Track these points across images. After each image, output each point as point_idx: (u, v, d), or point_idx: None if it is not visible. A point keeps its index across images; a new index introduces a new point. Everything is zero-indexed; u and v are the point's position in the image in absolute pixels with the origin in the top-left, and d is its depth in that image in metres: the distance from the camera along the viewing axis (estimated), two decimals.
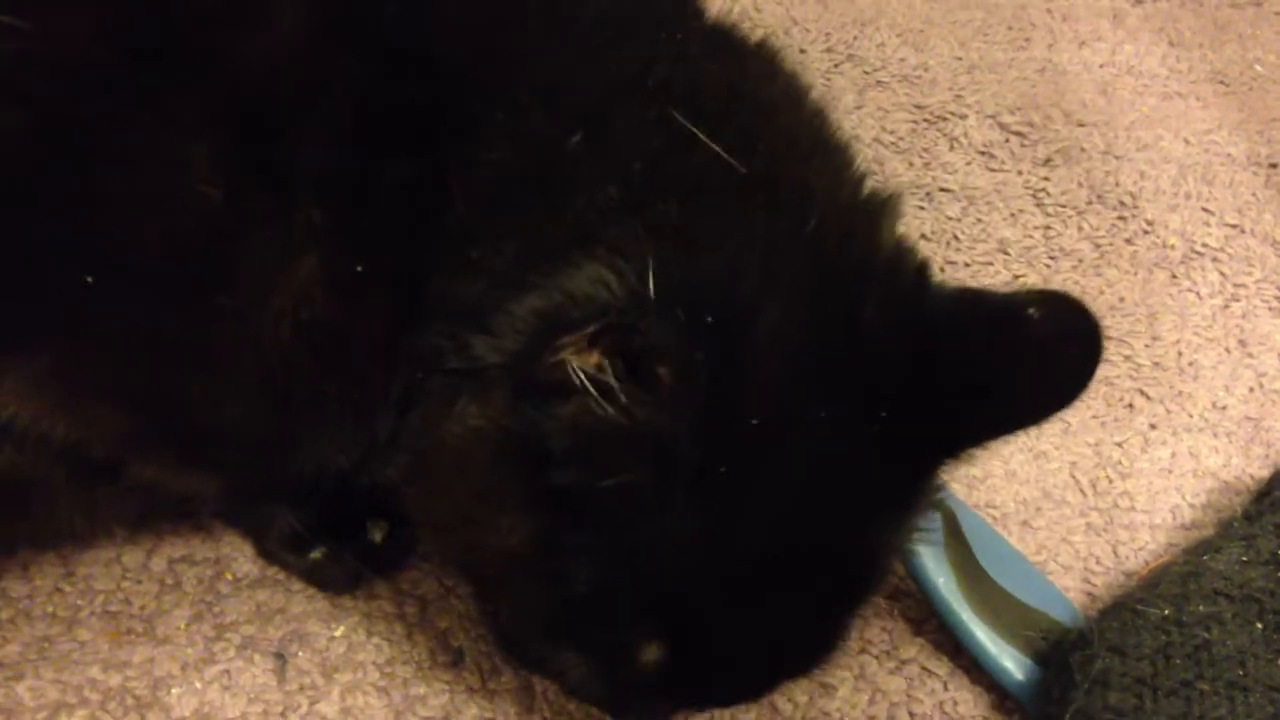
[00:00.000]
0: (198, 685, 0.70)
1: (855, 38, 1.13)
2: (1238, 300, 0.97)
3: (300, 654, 0.72)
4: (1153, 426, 0.88)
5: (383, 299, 0.56)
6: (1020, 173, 1.05)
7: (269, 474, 0.65)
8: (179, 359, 0.56)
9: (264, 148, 0.52)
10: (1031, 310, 0.54)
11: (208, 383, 0.56)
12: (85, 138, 0.51)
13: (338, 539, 0.75)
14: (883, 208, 0.60)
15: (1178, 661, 0.67)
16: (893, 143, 1.05)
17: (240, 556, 0.76)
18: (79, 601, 0.73)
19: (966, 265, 0.97)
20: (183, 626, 0.73)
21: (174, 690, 0.70)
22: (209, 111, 0.51)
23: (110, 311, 0.53)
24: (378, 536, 0.75)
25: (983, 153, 1.06)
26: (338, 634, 0.73)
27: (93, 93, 0.50)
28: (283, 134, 0.53)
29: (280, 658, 0.72)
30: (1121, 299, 0.96)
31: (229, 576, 0.75)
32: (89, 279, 0.51)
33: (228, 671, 0.71)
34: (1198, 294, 0.97)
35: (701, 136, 0.54)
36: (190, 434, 0.60)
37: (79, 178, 0.51)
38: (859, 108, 1.07)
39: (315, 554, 0.75)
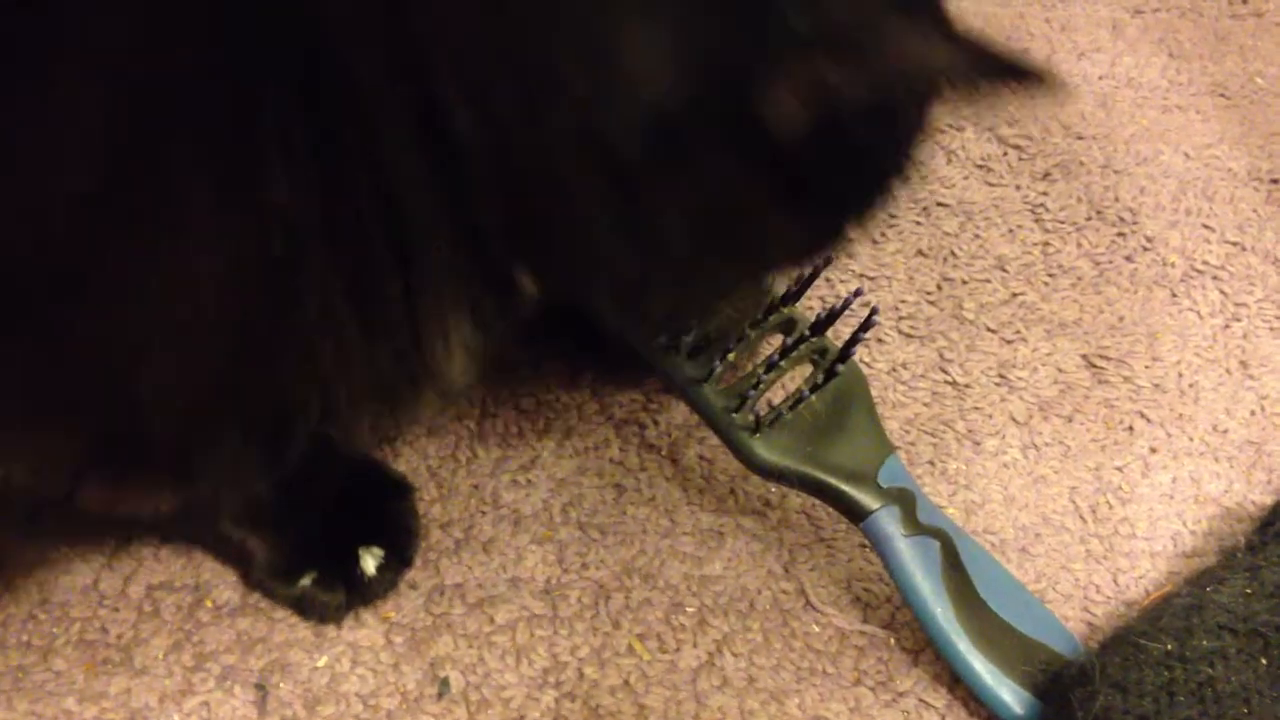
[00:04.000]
0: (176, 717, 0.69)
1: None
2: (1239, 320, 0.95)
3: (282, 685, 0.70)
4: (1153, 450, 0.87)
5: None
6: (1019, 187, 1.03)
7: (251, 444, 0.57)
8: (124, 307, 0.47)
9: None
10: None
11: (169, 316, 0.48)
12: None
13: (327, 565, 0.73)
14: None
15: (1181, 699, 0.66)
16: None
17: (221, 584, 0.74)
18: (54, 630, 0.71)
19: (964, 282, 0.96)
20: (161, 656, 0.71)
21: None
22: None
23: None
24: (371, 565, 0.73)
25: (980, 166, 1.05)
26: (320, 664, 0.71)
27: None
28: None
29: (261, 689, 0.70)
30: (1121, 318, 0.95)
31: (209, 604, 0.73)
32: None
33: (207, 703, 0.69)
34: (1198, 313, 0.96)
35: None
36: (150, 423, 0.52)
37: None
38: None
39: (305, 581, 0.72)
